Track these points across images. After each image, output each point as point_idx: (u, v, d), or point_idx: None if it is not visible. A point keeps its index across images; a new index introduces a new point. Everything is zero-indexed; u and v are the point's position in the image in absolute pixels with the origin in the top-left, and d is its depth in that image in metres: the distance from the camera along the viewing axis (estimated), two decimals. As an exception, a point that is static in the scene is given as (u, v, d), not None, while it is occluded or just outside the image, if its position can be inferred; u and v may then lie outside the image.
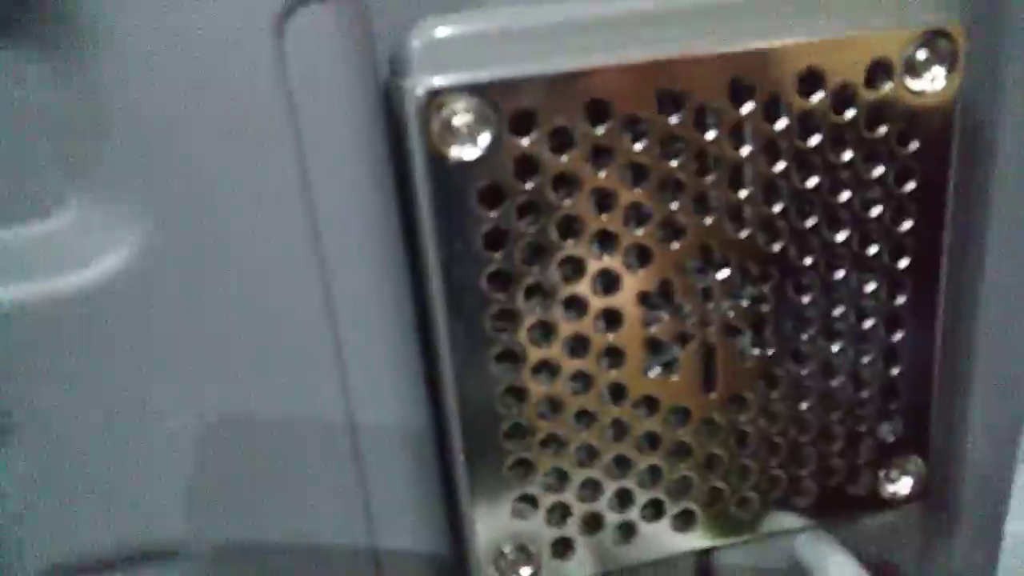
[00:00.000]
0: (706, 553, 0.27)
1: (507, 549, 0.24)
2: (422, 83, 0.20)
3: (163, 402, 0.21)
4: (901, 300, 0.25)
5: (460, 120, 0.20)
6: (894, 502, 0.27)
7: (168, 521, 0.22)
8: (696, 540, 0.26)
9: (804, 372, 0.25)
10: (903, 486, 0.27)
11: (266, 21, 0.19)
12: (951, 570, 0.33)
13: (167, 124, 0.19)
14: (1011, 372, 0.30)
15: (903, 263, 0.24)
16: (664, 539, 0.25)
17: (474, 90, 0.20)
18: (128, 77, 0.19)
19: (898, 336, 0.25)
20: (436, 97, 0.20)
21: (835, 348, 0.25)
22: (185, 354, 0.21)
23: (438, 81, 0.20)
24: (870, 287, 0.24)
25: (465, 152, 0.20)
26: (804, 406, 0.25)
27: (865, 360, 0.25)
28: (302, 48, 0.19)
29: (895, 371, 0.25)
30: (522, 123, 0.21)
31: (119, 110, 0.19)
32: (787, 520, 0.26)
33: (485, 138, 0.20)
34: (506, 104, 0.20)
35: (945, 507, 0.32)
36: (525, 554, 0.24)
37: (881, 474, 0.27)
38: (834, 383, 0.25)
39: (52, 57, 0.19)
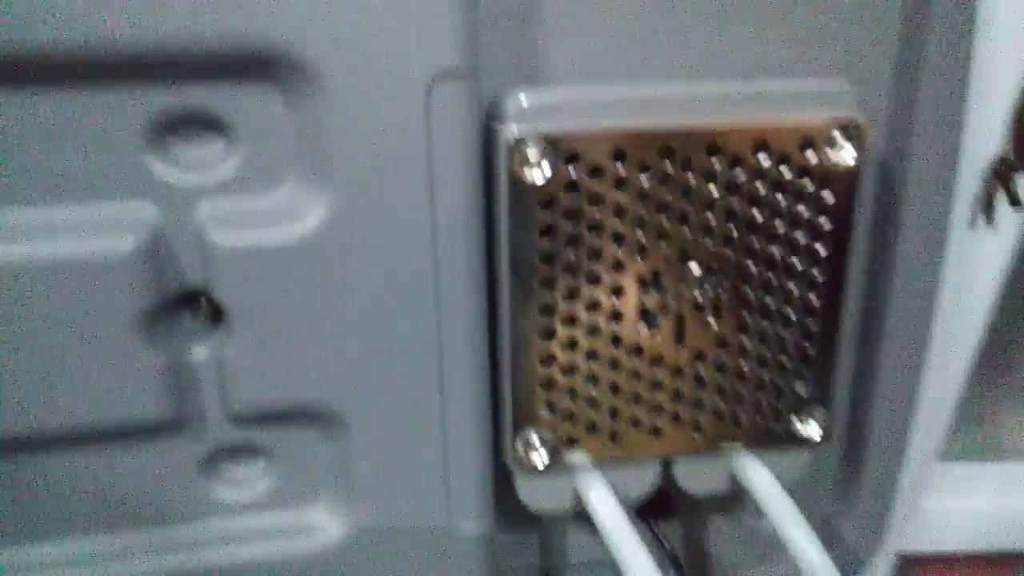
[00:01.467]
0: (670, 463, 0.34)
1: (532, 436, 0.31)
2: (511, 130, 0.27)
3: (329, 318, 0.28)
4: (815, 297, 0.31)
5: (533, 155, 0.27)
6: (806, 442, 0.33)
7: (324, 389, 0.29)
8: (664, 448, 0.33)
9: (746, 340, 0.31)
10: (813, 431, 0.33)
11: (420, 89, 0.26)
12: (857, 508, 0.40)
13: (353, 144, 0.26)
14: (909, 354, 0.36)
15: (817, 272, 0.31)
16: (641, 445, 0.32)
17: (544, 137, 0.27)
18: (332, 110, 0.26)
19: (811, 321, 0.31)
20: (520, 140, 0.27)
21: (768, 326, 0.31)
22: (341, 292, 0.28)
23: (521, 130, 0.27)
24: (794, 287, 0.31)
25: (535, 176, 0.28)
26: (744, 364, 0.32)
27: (788, 336, 0.32)
28: (440, 106, 0.26)
29: (808, 345, 0.32)
30: (571, 160, 0.27)
31: (323, 131, 0.26)
32: (730, 443, 0.33)
33: (548, 168, 0.27)
34: (562, 147, 0.27)
35: (854, 457, 0.39)
36: (543, 441, 0.31)
37: (796, 419, 0.33)
38: (767, 350, 0.32)
39: (287, 94, 0.26)
